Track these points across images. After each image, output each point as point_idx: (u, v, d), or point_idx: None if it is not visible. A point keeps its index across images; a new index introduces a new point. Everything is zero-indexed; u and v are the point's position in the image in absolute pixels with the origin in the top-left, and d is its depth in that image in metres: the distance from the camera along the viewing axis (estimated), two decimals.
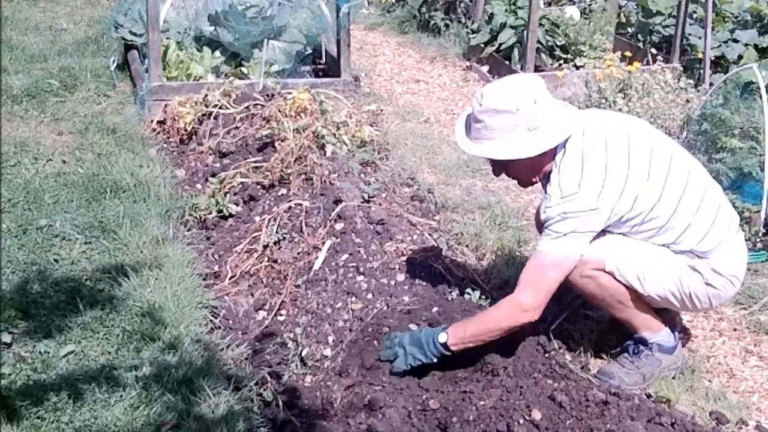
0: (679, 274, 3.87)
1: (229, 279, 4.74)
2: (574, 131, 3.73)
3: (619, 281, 3.88)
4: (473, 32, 9.24)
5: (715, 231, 3.84)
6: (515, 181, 4.07)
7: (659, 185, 3.74)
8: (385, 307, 4.20)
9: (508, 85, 3.77)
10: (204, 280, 4.75)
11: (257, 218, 5.10)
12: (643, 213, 3.76)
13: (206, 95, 6.49)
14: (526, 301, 3.67)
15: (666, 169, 3.77)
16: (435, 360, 3.77)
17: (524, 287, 3.71)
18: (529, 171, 3.85)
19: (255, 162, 5.60)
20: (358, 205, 4.89)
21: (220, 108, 6.37)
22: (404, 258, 4.60)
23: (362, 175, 5.46)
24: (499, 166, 3.90)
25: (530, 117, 3.64)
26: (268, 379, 3.94)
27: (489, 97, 3.69)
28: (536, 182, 3.93)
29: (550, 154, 3.76)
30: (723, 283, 3.90)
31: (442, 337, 3.73)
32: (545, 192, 3.84)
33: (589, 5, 9.67)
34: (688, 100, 6.76)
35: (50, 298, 4.42)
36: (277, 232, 4.87)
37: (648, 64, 7.94)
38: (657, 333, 4.05)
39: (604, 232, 3.81)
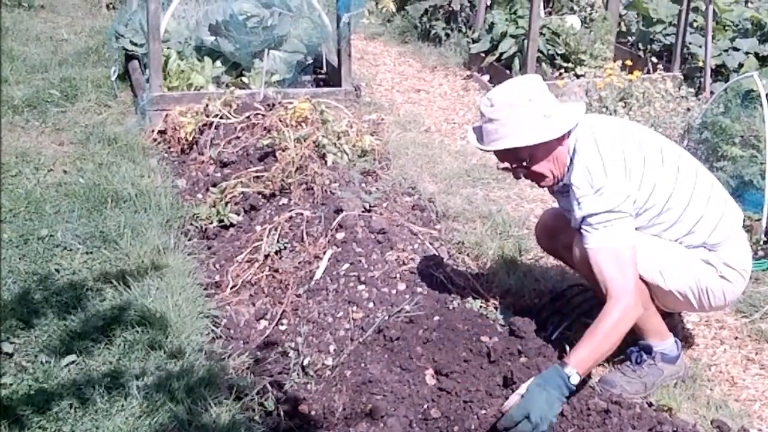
0: (696, 268, 3.91)
1: (230, 288, 4.74)
2: (582, 120, 3.82)
3: (640, 278, 3.88)
4: (474, 41, 9.26)
5: (725, 223, 3.89)
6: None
7: (673, 172, 3.82)
8: (387, 317, 4.20)
9: (513, 83, 3.85)
10: (205, 289, 4.75)
11: (258, 228, 5.10)
12: (661, 202, 3.81)
13: (207, 105, 6.51)
14: (630, 302, 3.65)
15: (677, 159, 3.87)
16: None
17: (620, 288, 3.65)
18: (548, 163, 3.85)
19: (256, 171, 5.60)
20: (359, 215, 4.89)
21: (221, 118, 6.38)
22: (405, 267, 4.60)
23: (363, 185, 5.47)
24: (520, 165, 3.89)
25: (543, 104, 3.73)
26: (270, 388, 3.94)
27: (499, 96, 3.75)
28: (555, 176, 3.89)
29: (566, 144, 3.82)
30: (735, 276, 3.94)
31: (575, 380, 3.48)
32: (560, 188, 3.90)
33: (590, 14, 9.68)
34: (688, 109, 6.77)
35: (51, 307, 4.43)
36: (278, 242, 4.87)
37: (648, 72, 7.95)
38: (664, 341, 4.05)
39: None
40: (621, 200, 3.67)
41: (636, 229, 3.86)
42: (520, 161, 3.88)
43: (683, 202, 3.83)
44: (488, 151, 3.92)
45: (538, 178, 3.98)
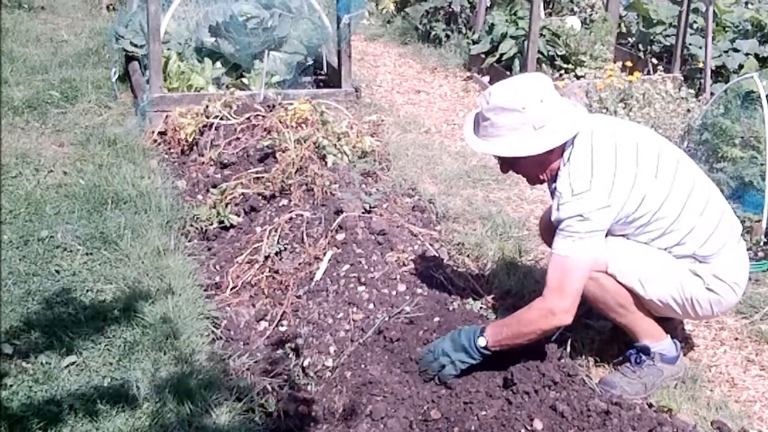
0: (680, 279, 3.88)
1: (231, 290, 4.74)
2: (581, 129, 3.76)
3: (621, 284, 3.88)
4: (474, 42, 9.25)
5: (718, 236, 3.86)
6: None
7: (666, 185, 3.77)
8: (387, 318, 4.20)
9: (516, 83, 3.79)
10: (205, 290, 4.75)
11: (258, 229, 5.11)
12: (650, 213, 3.77)
13: (207, 106, 6.50)
14: (556, 306, 3.67)
15: (673, 170, 3.81)
16: (481, 360, 3.77)
17: (552, 292, 3.69)
18: (537, 168, 3.86)
19: (256, 173, 5.60)
20: (359, 216, 4.89)
21: (221, 119, 6.38)
22: (405, 268, 4.60)
23: (363, 186, 5.47)
24: (507, 164, 3.92)
25: (537, 116, 3.66)
26: (270, 389, 3.94)
27: (497, 95, 3.71)
28: (544, 180, 3.94)
29: (558, 152, 3.78)
30: (724, 289, 3.90)
31: (481, 342, 3.72)
32: (553, 189, 3.86)
33: (590, 15, 9.68)
34: (689, 110, 6.76)
35: (52, 309, 4.43)
36: (278, 243, 4.87)
37: (649, 73, 7.95)
38: (659, 342, 4.05)
39: (607, 234, 3.81)
40: (597, 207, 3.64)
41: (624, 236, 3.88)
42: (506, 162, 3.91)
43: (673, 213, 3.79)
44: (475, 149, 3.94)
45: (525, 177, 4.03)
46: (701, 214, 3.82)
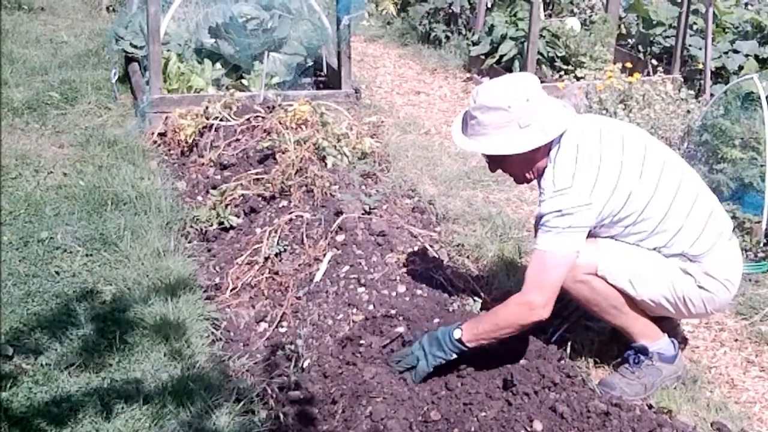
0: (671, 278, 3.89)
1: (230, 291, 4.74)
2: (567, 129, 3.79)
3: (612, 285, 3.89)
4: (474, 44, 9.25)
5: (706, 236, 3.87)
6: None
7: (652, 185, 3.79)
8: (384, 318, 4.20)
9: (503, 83, 3.82)
10: (205, 292, 4.75)
11: (258, 230, 5.11)
12: (635, 213, 3.79)
13: (207, 107, 6.50)
14: (534, 300, 3.68)
15: (659, 170, 3.83)
16: (455, 356, 3.77)
17: (530, 287, 3.72)
18: (523, 167, 3.90)
19: (256, 174, 5.60)
20: (359, 217, 4.90)
21: (221, 120, 6.38)
22: (405, 269, 4.60)
23: (363, 187, 5.47)
24: (494, 162, 3.97)
25: (522, 115, 3.70)
26: (270, 391, 3.94)
27: (483, 94, 3.75)
28: (531, 179, 3.96)
29: (544, 151, 3.81)
30: (716, 286, 3.91)
31: (457, 334, 3.73)
32: (539, 188, 3.88)
33: (590, 16, 9.68)
34: (688, 111, 6.76)
35: (51, 310, 4.43)
36: (278, 244, 4.87)
37: (648, 75, 7.95)
38: (656, 341, 4.05)
39: (595, 236, 3.85)
40: (578, 203, 3.66)
41: (612, 237, 3.90)
42: (494, 161, 3.94)
43: (659, 214, 3.81)
44: (461, 147, 3.96)
45: (512, 177, 4.07)
46: (688, 216, 3.84)
